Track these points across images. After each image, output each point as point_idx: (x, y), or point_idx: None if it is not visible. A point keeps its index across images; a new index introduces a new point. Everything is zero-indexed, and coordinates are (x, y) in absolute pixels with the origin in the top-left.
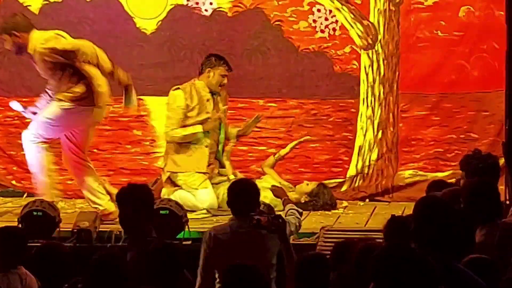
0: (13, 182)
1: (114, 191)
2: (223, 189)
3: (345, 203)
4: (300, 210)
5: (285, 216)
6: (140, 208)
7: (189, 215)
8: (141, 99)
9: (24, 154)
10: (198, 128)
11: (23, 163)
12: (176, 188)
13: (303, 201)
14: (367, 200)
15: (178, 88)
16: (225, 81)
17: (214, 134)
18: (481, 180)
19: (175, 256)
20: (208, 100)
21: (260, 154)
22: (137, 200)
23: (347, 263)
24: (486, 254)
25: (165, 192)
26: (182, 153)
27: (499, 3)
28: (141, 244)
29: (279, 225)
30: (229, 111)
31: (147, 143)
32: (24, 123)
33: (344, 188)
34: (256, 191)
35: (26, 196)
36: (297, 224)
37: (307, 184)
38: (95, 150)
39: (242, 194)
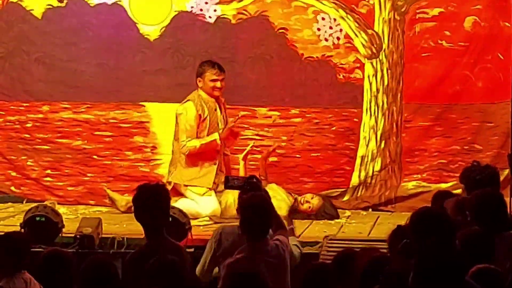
0: (12, 188)
1: (118, 197)
2: (226, 197)
3: (348, 213)
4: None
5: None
6: (156, 210)
7: (192, 222)
8: (143, 106)
9: (24, 159)
10: (215, 136)
11: (23, 169)
12: (180, 197)
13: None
14: (370, 209)
15: (188, 100)
16: (218, 84)
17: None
18: (487, 191)
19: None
20: (215, 109)
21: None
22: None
23: (350, 274)
24: (496, 265)
25: None
26: (191, 168)
27: (504, 14)
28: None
29: (252, 184)
30: (231, 119)
31: (148, 150)
32: (25, 128)
33: (346, 197)
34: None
35: (26, 202)
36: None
37: (312, 198)
38: (94, 156)
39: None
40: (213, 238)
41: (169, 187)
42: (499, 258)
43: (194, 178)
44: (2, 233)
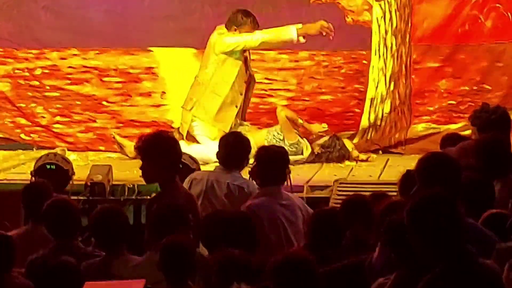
0: (22, 135)
1: (127, 143)
2: None
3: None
4: None
5: None
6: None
7: (202, 168)
8: (151, 51)
9: (34, 107)
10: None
11: (32, 116)
12: (192, 142)
13: (316, 153)
14: (380, 152)
15: None
16: None
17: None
18: (492, 136)
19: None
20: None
21: (271, 106)
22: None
23: (358, 219)
24: (500, 209)
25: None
26: (213, 103)
27: None
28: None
29: None
30: None
31: (157, 95)
32: (34, 75)
33: (356, 140)
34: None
35: (37, 149)
36: None
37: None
38: (104, 103)
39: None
40: (184, 185)
41: (177, 135)
42: (500, 202)
43: (213, 115)
44: (15, 180)
